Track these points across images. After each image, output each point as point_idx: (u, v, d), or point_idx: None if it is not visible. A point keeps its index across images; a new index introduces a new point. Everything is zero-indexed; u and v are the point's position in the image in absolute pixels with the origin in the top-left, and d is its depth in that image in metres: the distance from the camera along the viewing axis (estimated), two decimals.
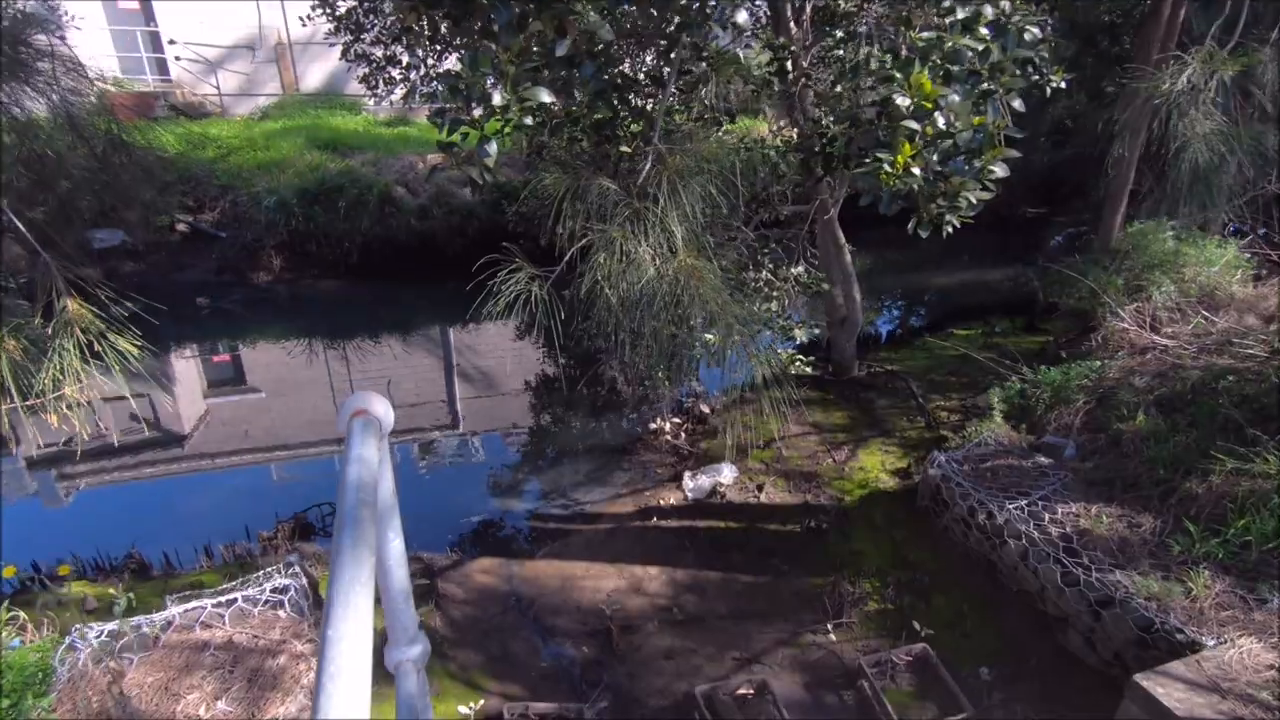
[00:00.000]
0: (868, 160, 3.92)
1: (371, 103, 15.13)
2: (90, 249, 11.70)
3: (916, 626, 4.62)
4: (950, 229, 3.16)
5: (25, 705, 2.42)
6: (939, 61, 2.95)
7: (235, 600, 3.21)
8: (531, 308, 3.48)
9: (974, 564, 4.97)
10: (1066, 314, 8.06)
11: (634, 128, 4.97)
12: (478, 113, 2.64)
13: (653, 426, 7.23)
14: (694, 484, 6.21)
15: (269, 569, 3.81)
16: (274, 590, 3.37)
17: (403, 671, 1.65)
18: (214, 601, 3.17)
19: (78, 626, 2.85)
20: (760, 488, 6.12)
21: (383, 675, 1.52)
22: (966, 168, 2.75)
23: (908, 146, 2.77)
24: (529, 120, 2.64)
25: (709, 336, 5.90)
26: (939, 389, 7.63)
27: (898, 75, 3.02)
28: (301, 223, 12.37)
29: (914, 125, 2.80)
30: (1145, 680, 3.32)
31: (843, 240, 6.97)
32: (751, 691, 4.31)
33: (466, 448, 8.32)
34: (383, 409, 1.42)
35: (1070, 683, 4.21)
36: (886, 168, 2.84)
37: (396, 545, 1.58)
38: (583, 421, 8.23)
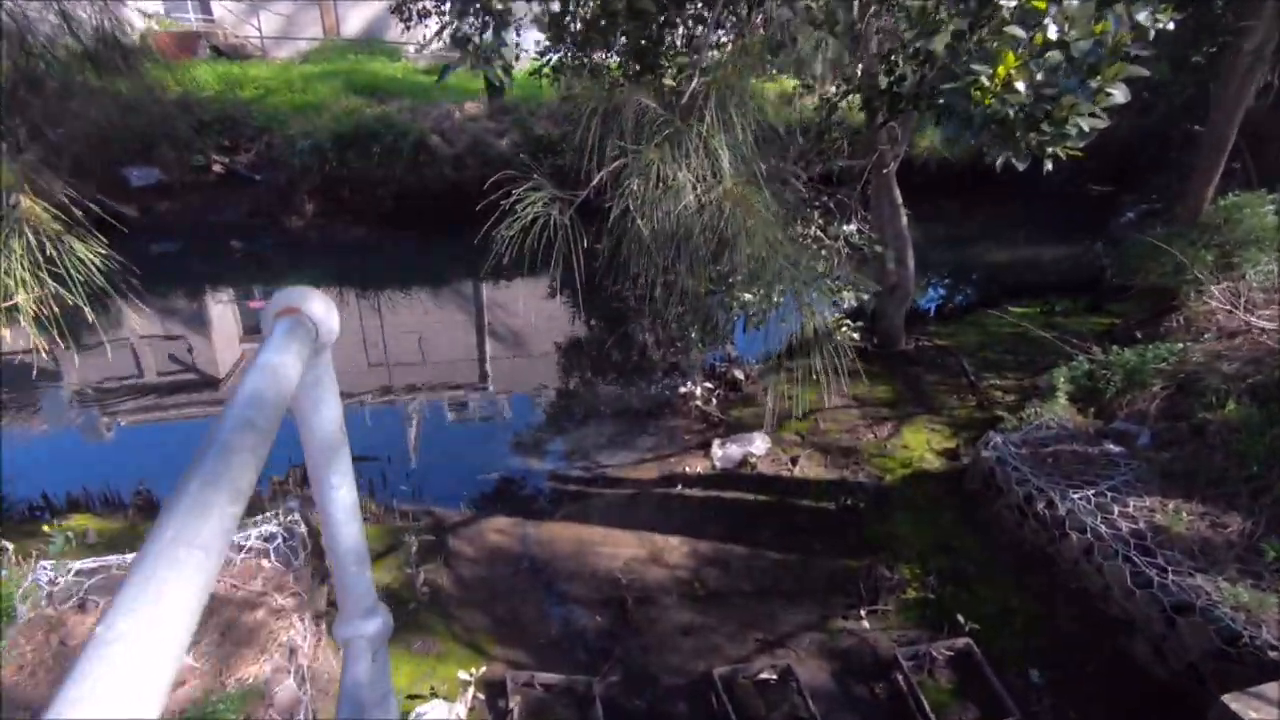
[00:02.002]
0: (949, 85, 3.39)
1: (411, 49, 14.79)
2: (126, 185, 11.66)
3: (960, 620, 4.22)
4: (1050, 164, 2.67)
5: None
6: None
7: None
8: (550, 236, 3.08)
9: (1028, 556, 4.53)
10: (1141, 293, 7.39)
11: (680, 60, 4.51)
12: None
13: (682, 390, 6.85)
14: (723, 453, 5.84)
15: (268, 514, 3.58)
16: (260, 537, 3.12)
17: (353, 650, 1.32)
18: None
19: (43, 563, 2.64)
20: (794, 461, 5.73)
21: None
22: (1080, 87, 2.26)
23: (1011, 57, 2.28)
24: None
25: (748, 296, 5.47)
26: (992, 367, 7.08)
27: None
28: (335, 168, 12.15)
29: (1020, 32, 2.31)
30: (1234, 702, 2.89)
31: (899, 199, 6.42)
32: (774, 677, 3.98)
33: (491, 406, 8.09)
34: (322, 310, 1.05)
35: (1132, 694, 3.78)
36: (984, 80, 2.35)
37: (345, 496, 1.24)
38: (610, 383, 7.90)
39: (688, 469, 5.79)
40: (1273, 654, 3.21)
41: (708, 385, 6.87)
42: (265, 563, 3.03)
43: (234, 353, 9.70)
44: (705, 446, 6.01)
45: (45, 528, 3.36)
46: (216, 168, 12.55)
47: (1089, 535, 4.08)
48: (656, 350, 8.22)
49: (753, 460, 5.73)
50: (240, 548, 3.04)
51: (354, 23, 17.25)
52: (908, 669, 3.92)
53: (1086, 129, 2.43)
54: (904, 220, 6.59)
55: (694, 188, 2.86)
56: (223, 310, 11.22)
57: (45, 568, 2.59)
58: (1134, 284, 7.72)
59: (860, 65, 4.74)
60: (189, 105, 12.61)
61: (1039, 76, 2.35)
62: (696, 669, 4.08)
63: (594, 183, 3.03)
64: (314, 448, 1.17)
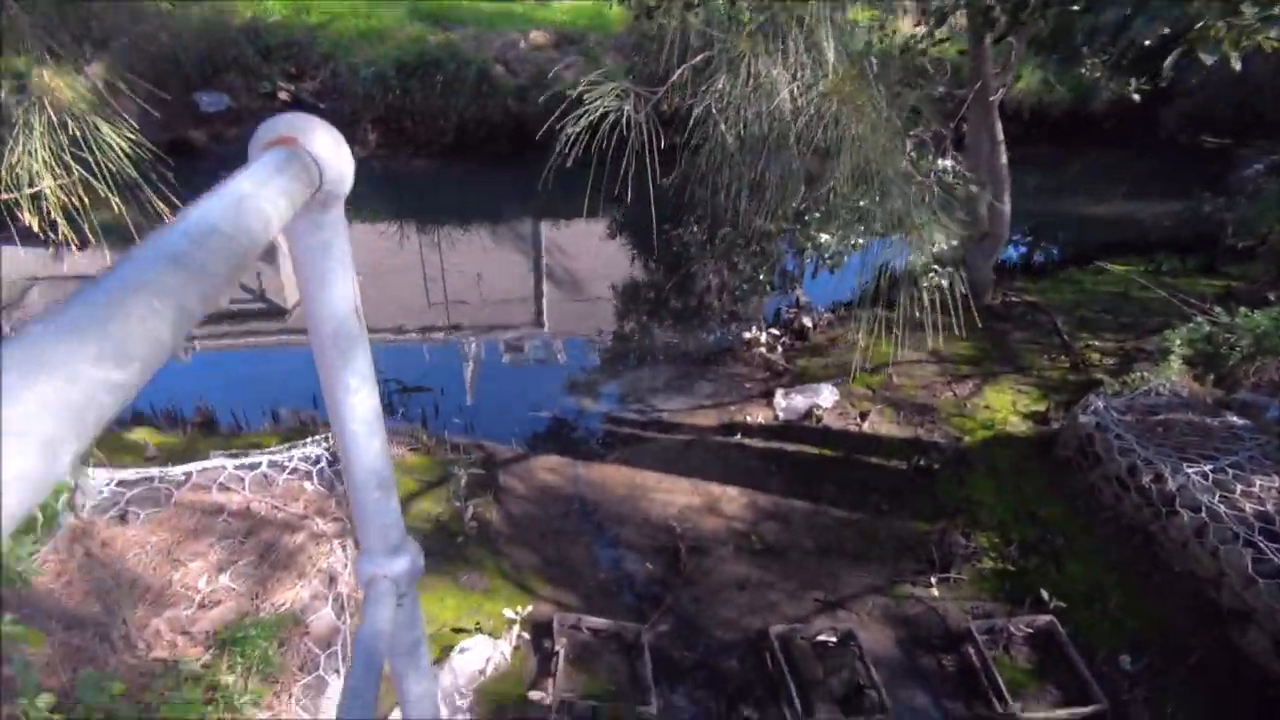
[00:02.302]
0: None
1: None
2: (197, 111, 11.76)
3: (1044, 595, 3.86)
4: (1238, 64, 2.16)
5: (20, 552, 2.14)
6: None
7: (260, 465, 2.87)
8: (623, 132, 2.73)
9: (1126, 533, 4.10)
10: (1270, 253, 6.57)
11: None
12: None
13: (746, 337, 6.49)
14: (787, 403, 5.51)
15: (315, 438, 3.48)
16: (304, 459, 3.01)
17: (374, 592, 1.10)
18: (235, 463, 2.84)
19: (88, 471, 2.57)
20: (864, 415, 5.36)
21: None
22: None
23: None
24: None
25: (825, 236, 5.06)
26: (1089, 327, 6.46)
27: None
28: (398, 97, 11.93)
29: None
30: None
31: (1001, 135, 5.78)
32: (834, 640, 3.74)
33: (547, 347, 7.92)
34: (330, 146, 0.77)
35: (1241, 691, 3.39)
36: None
37: (363, 402, 0.99)
38: (669, 328, 7.60)
39: (749, 418, 5.49)
40: None
41: (773, 332, 6.49)
42: (308, 485, 2.93)
43: None
44: (768, 396, 5.69)
45: (140, 432, 3.35)
46: (283, 95, 12.52)
47: (1204, 514, 3.63)
48: (720, 295, 7.84)
49: (819, 413, 5.38)
50: (283, 468, 2.94)
51: None
52: (982, 643, 3.62)
53: None
54: (1004, 159, 5.95)
55: (792, 86, 2.46)
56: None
57: (89, 476, 2.53)
58: (1262, 242, 6.88)
59: None
60: (257, 30, 12.57)
61: None
62: (751, 625, 3.87)
63: (673, 78, 2.65)
64: (323, 335, 0.91)
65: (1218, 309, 5.28)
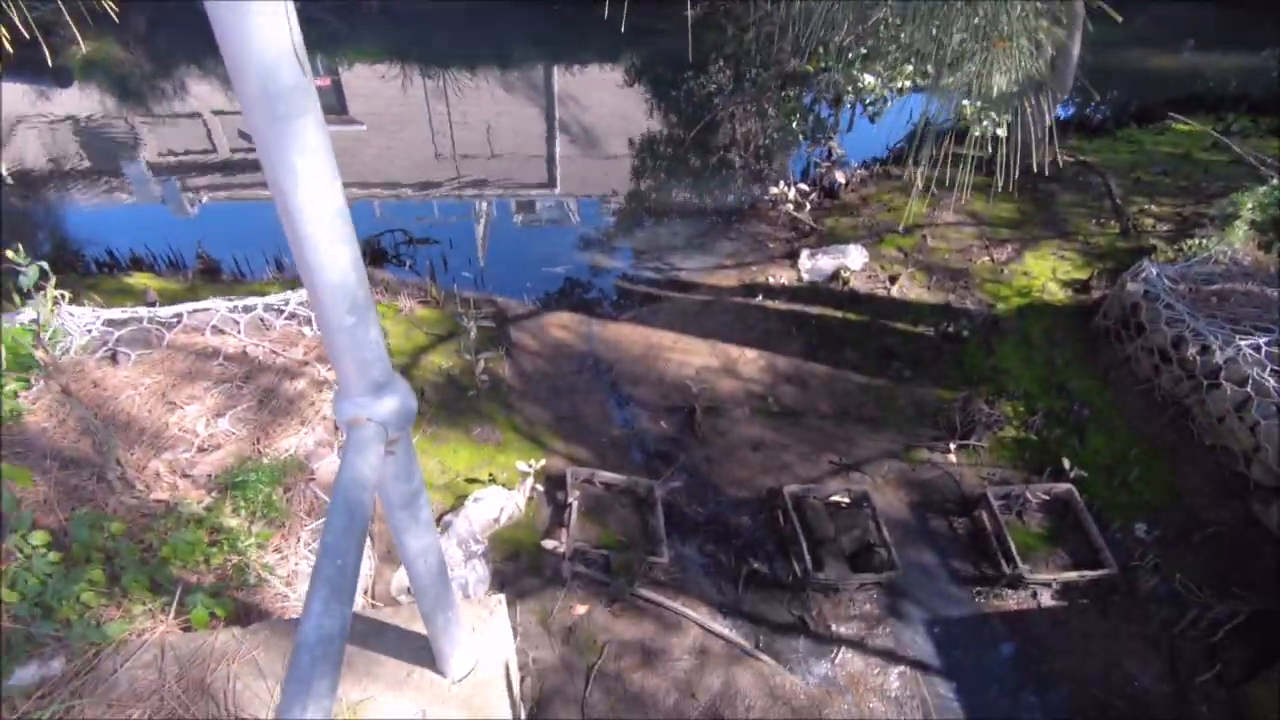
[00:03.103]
0: None
1: None
2: None
3: (1065, 464, 3.79)
4: None
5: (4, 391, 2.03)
6: None
7: (255, 308, 2.70)
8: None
9: (1158, 407, 3.96)
10: None
11: None
12: None
13: (773, 192, 6.08)
14: (812, 264, 5.23)
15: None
16: (302, 304, 2.84)
17: (356, 436, 0.94)
18: (229, 305, 2.67)
19: (71, 309, 2.42)
20: (893, 279, 5.09)
21: None
22: None
23: None
24: None
25: (869, 78, 4.54)
26: (1144, 190, 5.98)
27: None
28: None
29: None
30: None
31: None
32: (848, 501, 3.73)
33: (561, 206, 7.51)
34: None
35: (1257, 562, 3.38)
36: None
37: (322, 191, 0.77)
38: (690, 182, 7.14)
39: (771, 279, 5.24)
40: None
41: (802, 188, 6.07)
42: (307, 330, 2.78)
43: None
44: (793, 256, 5.40)
45: (139, 277, 3.19)
46: None
47: (1249, 389, 3.45)
48: (746, 146, 7.29)
49: (846, 275, 5.11)
50: (280, 312, 2.77)
51: None
52: (996, 508, 3.59)
53: None
54: None
55: None
56: None
57: (71, 314, 2.38)
58: None
59: None
60: None
61: None
62: (763, 484, 3.87)
63: None
64: (248, 94, 0.67)
65: None
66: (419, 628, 1.61)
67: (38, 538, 1.57)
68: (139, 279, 4.33)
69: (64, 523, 1.74)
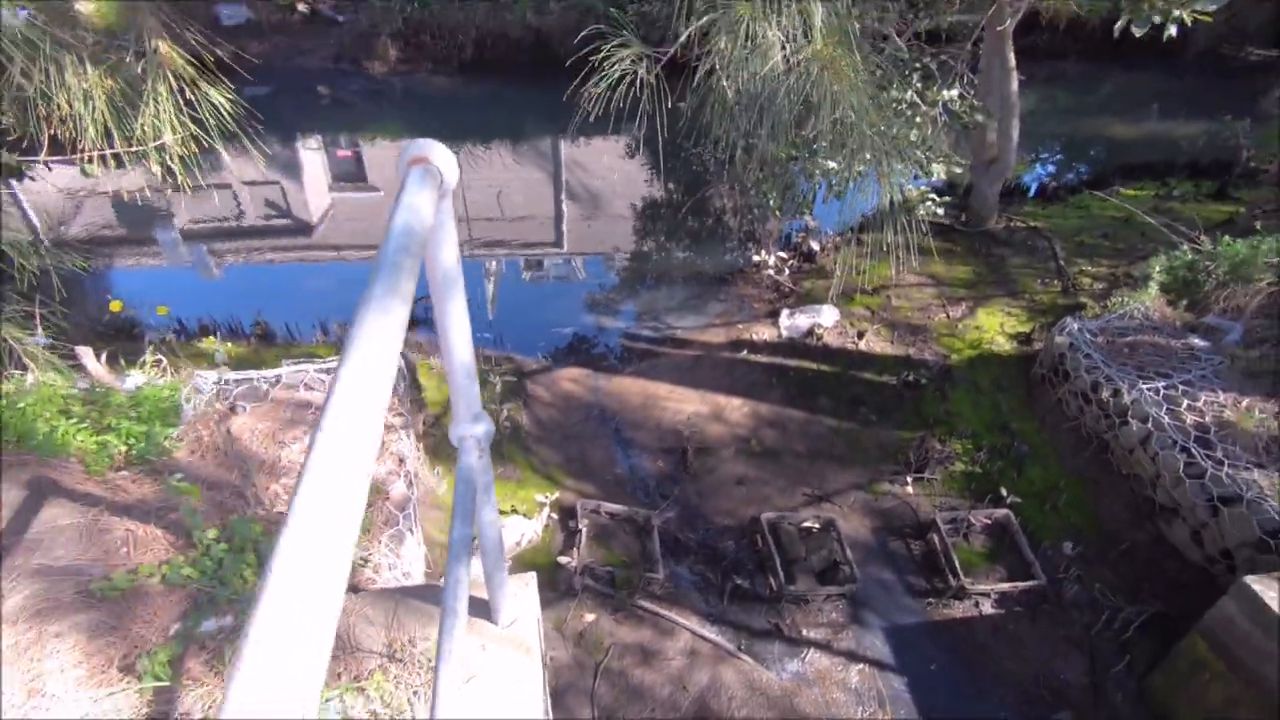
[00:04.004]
0: None
1: None
2: (218, 24, 11.82)
3: (1003, 493, 4.42)
4: (1174, 30, 2.45)
5: (156, 433, 2.72)
6: None
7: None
8: (636, 93, 3.11)
9: (1083, 442, 4.60)
10: (1275, 179, 6.71)
11: None
12: None
13: (755, 259, 6.88)
14: (790, 322, 5.96)
15: None
16: None
17: (465, 446, 1.64)
18: (316, 367, 3.40)
19: (199, 372, 3.14)
20: (861, 335, 5.81)
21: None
22: None
23: None
24: None
25: (831, 164, 5.33)
26: (1087, 253, 6.74)
27: None
28: (417, 10, 11.89)
29: None
30: (1257, 583, 3.04)
31: (1013, 64, 5.89)
32: (817, 526, 4.36)
33: (567, 265, 8.34)
34: (445, 160, 1.24)
35: (1162, 572, 3.97)
36: None
37: (459, 319, 1.48)
38: (683, 248, 7.97)
39: (755, 336, 5.97)
40: None
41: (781, 255, 6.86)
42: None
43: (324, 200, 10.11)
44: (774, 315, 6.14)
45: (208, 341, 3.96)
46: (301, 7, 12.49)
47: (1149, 425, 4.10)
48: (733, 217, 8.15)
49: (820, 331, 5.84)
50: None
51: None
52: (945, 531, 4.21)
53: None
54: (1014, 85, 6.07)
55: (783, 47, 2.78)
56: (312, 157, 11.56)
57: (202, 376, 3.10)
58: (1269, 168, 6.99)
59: None
60: None
61: None
62: (745, 513, 4.50)
63: (681, 39, 2.98)
64: (437, 279, 1.40)
65: (1204, 238, 5.56)
66: (476, 593, 2.29)
67: (210, 533, 2.23)
68: (208, 343, 5.08)
69: (219, 526, 2.39)
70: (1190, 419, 4.05)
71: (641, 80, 3.01)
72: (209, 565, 2.16)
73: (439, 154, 1.23)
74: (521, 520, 4.09)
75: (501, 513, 4.25)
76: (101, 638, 2.02)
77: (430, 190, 1.15)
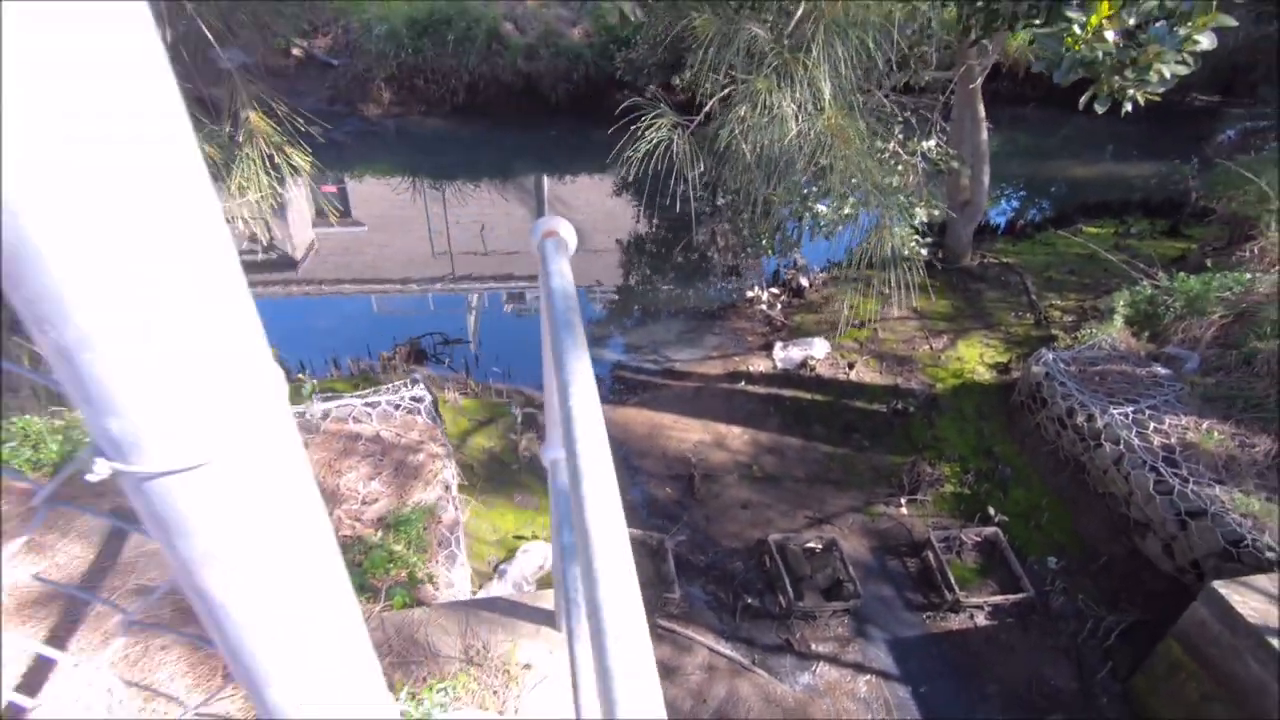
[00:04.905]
0: (1038, 21, 3.55)
1: None
2: (219, 68, 12.09)
3: (991, 512, 4.75)
4: (1129, 108, 2.87)
5: None
6: None
7: (380, 403, 3.65)
8: (671, 158, 3.46)
9: (1061, 464, 4.97)
10: (1222, 220, 7.29)
11: None
12: None
13: (749, 295, 7.25)
14: (784, 354, 6.31)
15: (396, 383, 4.25)
16: (414, 399, 3.80)
17: (556, 469, 1.90)
18: (362, 401, 3.62)
19: (315, 396, 3.37)
20: (851, 366, 6.17)
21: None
22: (1168, 35, 2.43)
23: (1105, 5, 2.45)
24: None
25: (821, 207, 5.73)
26: (1055, 287, 7.23)
27: None
28: (410, 55, 12.29)
29: None
30: (1224, 588, 3.37)
31: (982, 115, 6.42)
32: (820, 546, 4.63)
33: None
34: (566, 230, 1.53)
35: (1138, 583, 4.30)
36: (1076, 29, 2.54)
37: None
38: (676, 284, 8.32)
39: (751, 368, 6.29)
40: (1270, 555, 3.65)
41: (773, 291, 7.24)
42: (417, 418, 3.71)
43: (307, 235, 10.14)
44: (768, 348, 6.48)
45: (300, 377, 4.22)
46: (296, 52, 12.84)
47: (1121, 447, 4.48)
48: (725, 255, 8.55)
49: (812, 363, 6.18)
50: (398, 406, 3.72)
51: None
52: (938, 548, 4.51)
53: (1169, 75, 2.61)
54: (984, 135, 6.59)
55: (797, 117, 3.15)
56: (298, 193, 11.68)
57: (317, 400, 3.34)
58: (1216, 209, 7.60)
59: None
60: None
61: (1130, 21, 2.53)
62: (752, 535, 4.76)
63: (705, 109, 3.35)
64: (557, 323, 1.68)
65: (1161, 274, 6.05)
66: (539, 604, 2.53)
67: None
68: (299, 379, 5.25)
69: None
70: (1158, 440, 4.43)
71: (674, 145, 3.37)
72: None
73: (563, 226, 1.53)
74: (544, 545, 4.30)
75: (522, 538, 4.46)
76: (201, 650, 2.21)
77: (563, 256, 1.45)
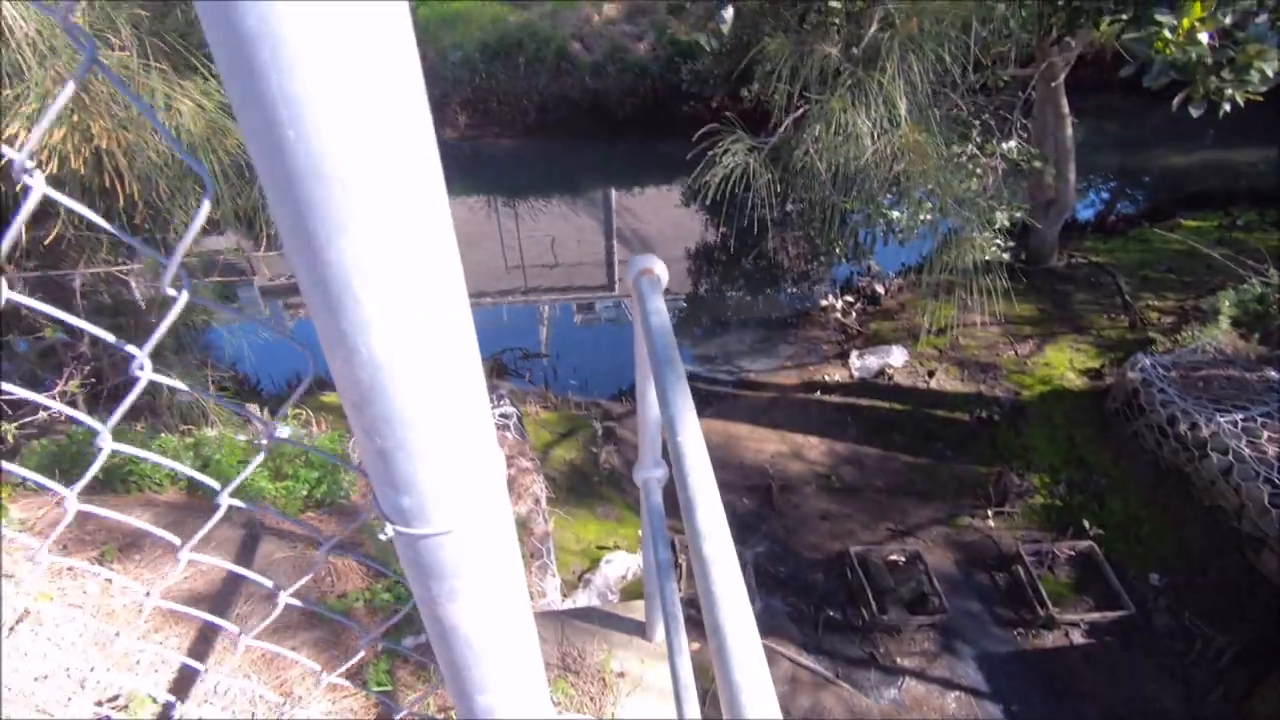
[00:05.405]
0: (1125, 17, 3.44)
1: None
2: None
3: (1085, 525, 4.57)
4: (1228, 108, 2.75)
5: (337, 478, 3.19)
6: None
7: None
8: (749, 180, 3.54)
9: (1162, 474, 4.73)
10: None
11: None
12: None
13: (822, 303, 7.20)
14: (861, 363, 6.24)
15: (499, 395, 4.49)
16: (502, 416, 4.01)
17: (649, 487, 2.02)
18: None
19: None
20: (931, 374, 6.04)
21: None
22: (1269, 32, 2.32)
23: (1198, 6, 2.36)
24: None
25: (895, 214, 5.66)
26: (1152, 287, 6.85)
27: None
28: (484, 79, 12.81)
29: None
30: None
31: (1066, 110, 6.18)
32: (903, 559, 4.57)
33: (618, 306, 8.79)
34: (660, 267, 1.64)
35: (1254, 602, 4.05)
36: (1166, 33, 2.47)
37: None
38: (747, 293, 8.34)
39: (827, 377, 6.26)
40: None
41: (847, 299, 7.17)
42: (507, 434, 3.93)
43: None
44: (844, 357, 6.42)
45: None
46: None
47: (1230, 457, 4.23)
48: (796, 263, 8.52)
49: (890, 371, 6.09)
50: None
51: None
52: (1029, 563, 4.37)
53: (1271, 74, 2.49)
54: (1069, 131, 6.34)
55: (872, 135, 3.17)
56: None
57: None
58: None
59: None
60: None
61: (1226, 20, 2.43)
62: (833, 547, 4.74)
63: (781, 127, 3.42)
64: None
65: (1271, 270, 5.66)
66: (630, 615, 2.64)
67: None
68: (333, 397, 5.64)
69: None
70: (1272, 450, 4.17)
71: (750, 168, 3.45)
72: (404, 592, 2.56)
73: (657, 264, 1.64)
74: (627, 555, 4.43)
75: (604, 548, 4.61)
76: (327, 651, 2.43)
77: (659, 293, 1.56)
